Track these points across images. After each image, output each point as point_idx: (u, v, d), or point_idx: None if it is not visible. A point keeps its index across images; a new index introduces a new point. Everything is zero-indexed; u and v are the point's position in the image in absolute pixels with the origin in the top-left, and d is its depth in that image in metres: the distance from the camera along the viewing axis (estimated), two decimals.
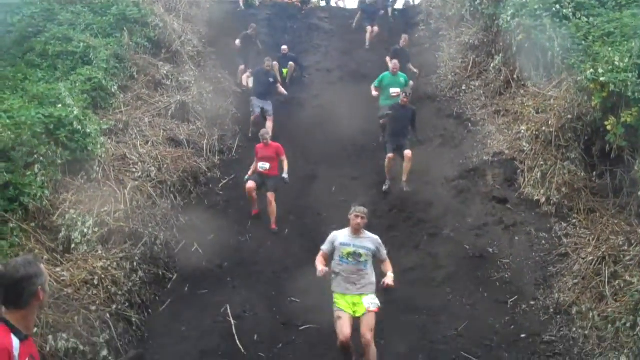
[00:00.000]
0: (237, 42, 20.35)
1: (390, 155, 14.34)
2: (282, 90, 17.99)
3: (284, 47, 20.90)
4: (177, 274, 11.41)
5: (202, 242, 12.30)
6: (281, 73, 19.95)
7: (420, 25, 23.38)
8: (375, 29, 23.03)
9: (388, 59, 18.49)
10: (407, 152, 14.22)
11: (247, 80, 18.92)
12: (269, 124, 16.72)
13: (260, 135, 13.93)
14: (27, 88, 12.46)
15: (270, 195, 13.23)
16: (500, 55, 16.80)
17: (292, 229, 13.42)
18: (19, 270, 4.23)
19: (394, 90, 16.20)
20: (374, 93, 16.62)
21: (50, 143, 10.63)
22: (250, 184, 13.40)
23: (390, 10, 25.82)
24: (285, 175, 13.48)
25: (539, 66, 15.13)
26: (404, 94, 15.00)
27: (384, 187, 14.51)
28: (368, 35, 22.91)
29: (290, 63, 20.35)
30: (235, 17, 24.16)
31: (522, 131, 13.72)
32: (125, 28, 16.64)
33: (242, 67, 20.04)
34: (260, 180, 13.48)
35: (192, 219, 12.95)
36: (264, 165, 13.47)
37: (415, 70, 19.02)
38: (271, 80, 17.57)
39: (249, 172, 13.78)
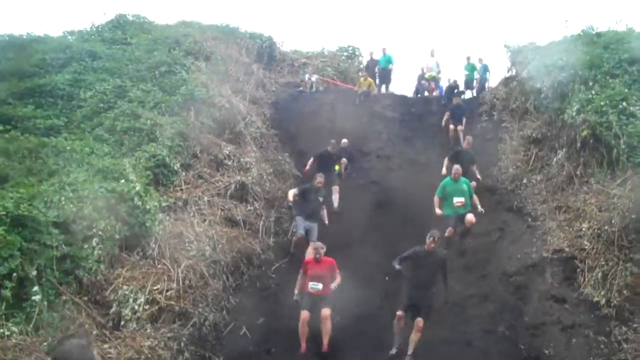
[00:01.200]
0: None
1: (399, 313, 11.46)
2: (325, 216, 15.81)
3: (345, 140, 19.75)
4: (223, 357, 11.34)
5: (251, 326, 12.26)
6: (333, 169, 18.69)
7: (484, 116, 23.39)
8: (460, 128, 22.15)
9: (446, 161, 17.40)
10: (420, 321, 11.18)
11: (294, 195, 15.71)
12: (311, 250, 13.50)
13: (314, 248, 12.34)
14: (93, 162, 12.86)
15: (325, 312, 11.55)
16: (564, 150, 16.62)
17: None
18: (72, 354, 4.21)
19: (458, 200, 14.99)
20: (437, 210, 14.94)
21: (110, 217, 10.87)
22: (304, 314, 11.57)
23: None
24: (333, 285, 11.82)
25: (603, 163, 14.94)
26: (431, 239, 11.60)
27: (391, 352, 11.57)
28: (452, 133, 22.13)
29: (344, 160, 19.16)
30: (298, 100, 24.66)
31: (584, 229, 13.43)
32: (192, 107, 17.20)
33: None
34: (312, 303, 11.70)
35: (243, 301, 12.95)
36: (315, 286, 11.71)
37: (478, 176, 17.72)
38: (321, 199, 15.89)
39: (296, 290, 12.34)
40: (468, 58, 28.49)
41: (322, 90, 26.31)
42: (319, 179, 15.92)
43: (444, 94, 26.63)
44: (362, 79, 26.23)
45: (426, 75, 28.31)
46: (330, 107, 24.88)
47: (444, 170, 16.99)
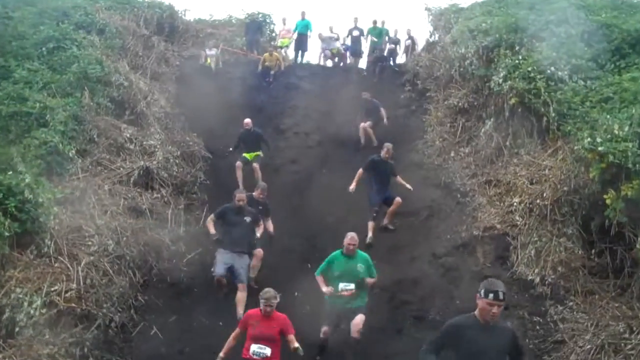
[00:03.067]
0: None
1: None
2: (259, 233, 13.41)
3: (247, 120, 18.84)
4: None
5: (162, 325, 12.13)
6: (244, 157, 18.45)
7: (406, 86, 23.71)
8: (369, 124, 20.80)
9: (359, 172, 15.66)
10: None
11: (212, 223, 13.22)
12: (241, 295, 12.33)
13: (263, 299, 9.33)
14: None
15: None
16: (492, 120, 17.02)
17: None
18: None
19: (346, 287, 11.00)
20: (324, 289, 11.08)
21: None
22: None
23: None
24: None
25: (533, 133, 15.38)
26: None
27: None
28: (361, 132, 20.88)
29: (259, 154, 18.53)
30: (206, 75, 24.44)
31: (515, 204, 13.82)
32: (86, 87, 16.79)
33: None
34: None
35: (152, 299, 12.79)
36: (260, 351, 9.14)
37: (409, 186, 15.73)
38: (247, 220, 13.07)
39: (222, 353, 9.39)
40: (374, 22, 29.05)
41: (221, 66, 26.02)
42: (239, 195, 13.24)
43: (367, 66, 26.81)
44: (266, 54, 26.00)
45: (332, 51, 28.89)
46: (241, 80, 24.82)
47: (352, 186, 15.30)
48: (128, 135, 16.98)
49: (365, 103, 21.01)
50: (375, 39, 28.66)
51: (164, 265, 14.03)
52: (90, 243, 12.41)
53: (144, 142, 17.25)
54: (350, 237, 11.14)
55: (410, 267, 14.14)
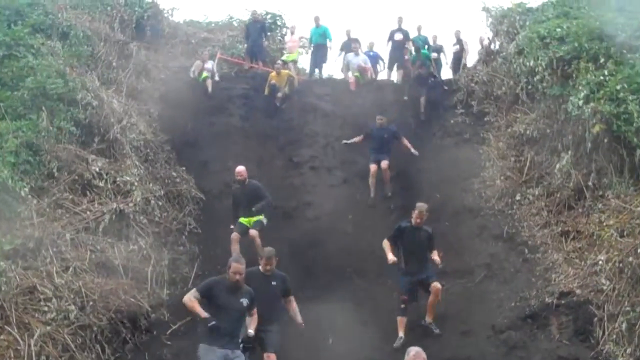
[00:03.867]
0: None
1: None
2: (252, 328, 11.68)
3: (240, 169, 17.28)
4: None
5: None
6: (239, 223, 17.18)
7: (458, 108, 23.68)
8: (385, 165, 20.40)
9: (387, 246, 14.77)
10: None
11: (196, 303, 11.13)
12: None
13: None
14: None
15: None
16: (569, 152, 16.94)
17: None
18: None
19: None
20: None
21: None
22: None
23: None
24: None
25: (624, 170, 15.25)
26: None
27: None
28: (371, 179, 20.46)
29: (260, 219, 17.07)
30: (198, 90, 24.60)
31: (601, 262, 13.66)
32: (44, 107, 16.89)
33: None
34: None
35: None
36: None
37: (438, 260, 14.68)
38: (245, 303, 11.41)
39: None
40: (419, 29, 29.07)
41: (218, 79, 26.18)
42: (235, 265, 11.34)
43: (410, 86, 26.55)
44: (273, 72, 25.44)
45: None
46: (244, 98, 24.95)
47: (390, 256, 14.60)
48: (97, 169, 17.05)
49: (377, 131, 20.64)
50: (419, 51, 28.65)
51: (141, 338, 14.01)
52: (46, 308, 12.40)
53: (118, 178, 17.31)
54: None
55: (463, 343, 13.98)
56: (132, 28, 26.09)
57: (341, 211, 19.62)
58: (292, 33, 30.88)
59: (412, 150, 20.62)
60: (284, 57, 28.98)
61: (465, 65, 28.18)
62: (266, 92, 25.19)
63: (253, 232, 16.59)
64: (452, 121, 23.36)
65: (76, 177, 16.50)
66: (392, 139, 20.55)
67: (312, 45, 29.74)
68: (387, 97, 26.15)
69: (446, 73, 28.79)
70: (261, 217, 17.04)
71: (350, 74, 27.44)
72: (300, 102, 25.47)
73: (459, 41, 29.12)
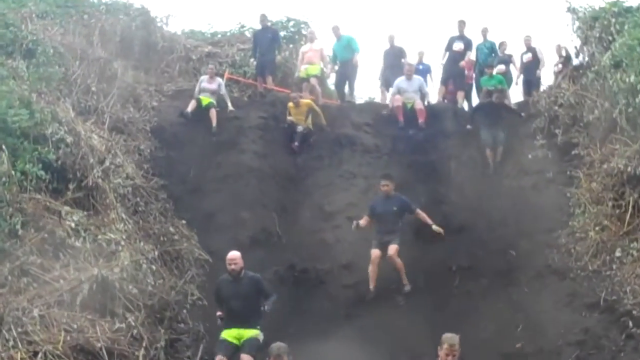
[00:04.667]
0: None
1: None
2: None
3: (234, 255, 15.90)
4: None
5: None
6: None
7: (538, 138, 23.64)
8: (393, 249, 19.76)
9: None
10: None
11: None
12: None
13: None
14: None
15: None
16: None
17: None
18: None
19: None
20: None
21: None
22: None
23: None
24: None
25: None
26: None
27: None
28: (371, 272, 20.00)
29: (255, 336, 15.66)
30: (202, 121, 24.70)
31: None
32: (3, 146, 16.96)
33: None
34: None
35: None
36: None
37: None
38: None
39: None
40: (484, 32, 28.92)
41: (231, 109, 26.16)
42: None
43: (474, 112, 26.32)
44: (291, 102, 25.42)
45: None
46: (260, 130, 24.98)
47: None
48: (73, 225, 17.01)
49: (382, 204, 19.78)
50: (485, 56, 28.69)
51: None
52: None
53: (100, 236, 17.32)
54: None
55: None
56: (116, 42, 26.18)
57: (387, 276, 19.50)
58: (311, 41, 29.60)
59: (434, 227, 19.17)
60: (301, 72, 28.75)
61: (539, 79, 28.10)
62: (287, 123, 25.45)
63: (245, 357, 15.07)
64: (530, 155, 23.28)
65: (46, 236, 16.35)
66: (402, 214, 19.53)
67: (338, 62, 29.55)
68: (445, 124, 26.17)
69: (514, 91, 28.89)
70: (257, 333, 15.61)
71: (392, 97, 27.31)
72: (333, 133, 25.50)
73: (531, 50, 28.92)
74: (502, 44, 29.19)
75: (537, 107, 24.98)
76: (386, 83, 29.31)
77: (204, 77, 26.11)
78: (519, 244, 18.94)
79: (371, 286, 19.08)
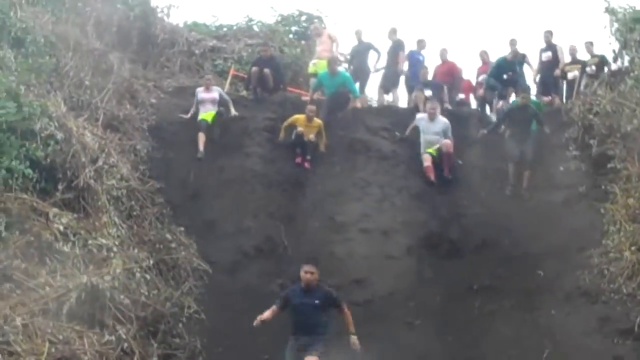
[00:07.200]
0: None
1: None
2: None
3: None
4: None
5: None
6: None
7: (570, 149, 23.60)
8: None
9: None
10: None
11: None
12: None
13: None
14: None
15: None
16: None
17: None
18: None
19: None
20: None
21: None
22: None
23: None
24: None
25: None
26: None
27: None
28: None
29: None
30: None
31: None
32: None
33: None
34: None
35: None
36: None
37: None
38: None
39: None
40: (513, 44, 28.56)
41: (234, 114, 26.07)
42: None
43: (501, 118, 26.02)
44: (300, 116, 24.99)
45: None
46: (267, 132, 24.99)
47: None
48: (61, 228, 16.98)
49: (301, 298, 16.39)
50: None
51: None
52: None
53: (90, 241, 17.30)
54: None
55: None
56: (113, 33, 26.19)
57: (402, 294, 19.59)
58: (318, 36, 29.90)
59: (353, 337, 16.19)
60: (310, 67, 28.97)
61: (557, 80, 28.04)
62: (281, 136, 24.84)
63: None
64: (561, 168, 23.26)
65: (32, 239, 16.33)
66: (327, 308, 16.23)
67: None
68: (469, 132, 26.14)
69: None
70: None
71: (424, 151, 24.83)
72: (346, 138, 25.50)
73: (552, 47, 28.83)
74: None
75: (570, 115, 24.85)
76: (384, 85, 29.46)
77: (199, 89, 25.45)
78: (547, 263, 18.88)
79: None
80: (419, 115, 25.74)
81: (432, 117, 25.00)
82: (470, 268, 19.78)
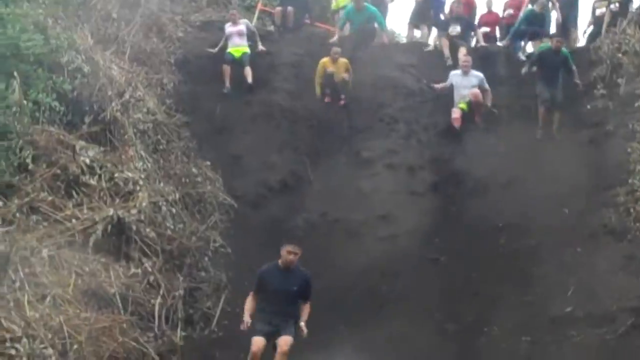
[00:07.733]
0: None
1: None
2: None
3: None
4: None
5: None
6: None
7: (598, 88, 23.47)
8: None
9: None
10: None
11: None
12: None
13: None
14: None
15: None
16: None
17: None
18: None
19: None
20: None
21: None
22: None
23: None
24: None
25: None
26: None
27: None
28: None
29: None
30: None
31: None
32: (15, 73, 16.93)
33: None
34: None
35: None
36: None
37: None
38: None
39: None
40: None
41: (274, 30, 26.19)
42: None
43: (534, 60, 25.69)
44: (326, 58, 24.67)
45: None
46: (294, 67, 24.93)
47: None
48: (87, 161, 17.01)
49: (279, 280, 15.30)
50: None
51: None
52: (13, 352, 12.45)
53: (116, 175, 17.33)
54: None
55: None
56: None
57: (427, 230, 19.71)
58: None
59: (302, 323, 15.08)
60: (332, 3, 29.14)
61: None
62: (317, 91, 24.52)
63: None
64: (588, 106, 23.16)
65: (58, 172, 16.40)
66: (302, 296, 15.40)
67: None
68: (496, 70, 26.02)
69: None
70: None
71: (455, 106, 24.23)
72: (374, 75, 25.44)
73: None
74: None
75: (599, 54, 24.76)
76: (415, 19, 29.08)
77: (227, 24, 25.56)
78: (573, 201, 18.86)
79: None
80: (453, 72, 24.97)
81: (465, 72, 24.42)
82: (496, 206, 19.74)
